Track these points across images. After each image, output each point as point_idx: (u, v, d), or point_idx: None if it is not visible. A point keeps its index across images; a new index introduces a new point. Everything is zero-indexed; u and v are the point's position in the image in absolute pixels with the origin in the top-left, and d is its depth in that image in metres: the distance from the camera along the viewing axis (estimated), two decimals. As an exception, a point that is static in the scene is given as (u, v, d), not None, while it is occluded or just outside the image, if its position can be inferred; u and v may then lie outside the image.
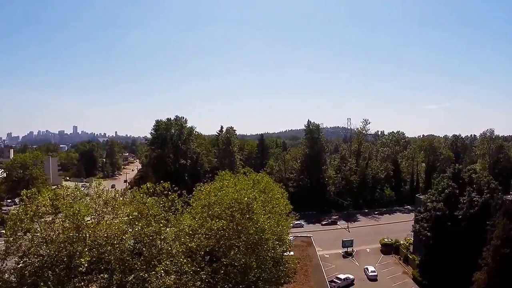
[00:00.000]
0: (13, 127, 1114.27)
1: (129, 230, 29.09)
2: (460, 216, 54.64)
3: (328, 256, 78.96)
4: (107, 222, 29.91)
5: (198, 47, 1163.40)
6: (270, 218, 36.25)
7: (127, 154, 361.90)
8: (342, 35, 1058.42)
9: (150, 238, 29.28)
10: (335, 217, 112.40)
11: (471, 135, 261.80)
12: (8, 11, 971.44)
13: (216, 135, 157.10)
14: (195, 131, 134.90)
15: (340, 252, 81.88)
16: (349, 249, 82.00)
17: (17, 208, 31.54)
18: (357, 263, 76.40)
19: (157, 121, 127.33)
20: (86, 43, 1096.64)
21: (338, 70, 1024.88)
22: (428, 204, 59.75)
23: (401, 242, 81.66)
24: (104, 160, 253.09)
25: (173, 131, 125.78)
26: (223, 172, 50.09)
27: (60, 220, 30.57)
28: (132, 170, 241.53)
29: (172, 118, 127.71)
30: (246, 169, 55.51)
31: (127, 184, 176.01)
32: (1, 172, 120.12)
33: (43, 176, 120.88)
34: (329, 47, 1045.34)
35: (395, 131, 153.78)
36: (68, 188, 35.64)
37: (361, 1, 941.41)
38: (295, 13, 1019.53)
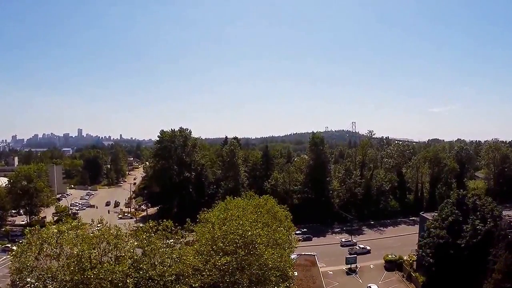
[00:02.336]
0: (18, 129, 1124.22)
1: (132, 274, 29.16)
2: (463, 245, 54.46)
3: (331, 273, 78.68)
4: (111, 264, 30.09)
5: (201, 50, 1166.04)
6: (273, 254, 36.28)
7: (132, 158, 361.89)
8: (345, 37, 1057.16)
9: (155, 281, 29.44)
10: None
11: (476, 140, 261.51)
12: (20, 10, 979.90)
13: (221, 141, 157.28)
14: (199, 140, 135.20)
15: (344, 268, 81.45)
16: (353, 266, 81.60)
17: (21, 246, 31.79)
18: (360, 281, 75.75)
19: (162, 132, 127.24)
20: (90, 45, 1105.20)
21: (340, 71, 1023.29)
22: (432, 230, 59.48)
23: (405, 258, 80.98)
24: (109, 166, 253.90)
25: (177, 143, 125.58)
26: (228, 198, 50.54)
27: (64, 257, 30.95)
28: (134, 179, 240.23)
29: (177, 129, 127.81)
30: (249, 193, 55.55)
31: (132, 193, 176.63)
32: (6, 183, 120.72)
33: (47, 188, 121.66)
34: (331, 49, 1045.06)
35: (400, 142, 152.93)
36: (72, 223, 35.95)
37: (364, 2, 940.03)
38: (297, 14, 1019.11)
